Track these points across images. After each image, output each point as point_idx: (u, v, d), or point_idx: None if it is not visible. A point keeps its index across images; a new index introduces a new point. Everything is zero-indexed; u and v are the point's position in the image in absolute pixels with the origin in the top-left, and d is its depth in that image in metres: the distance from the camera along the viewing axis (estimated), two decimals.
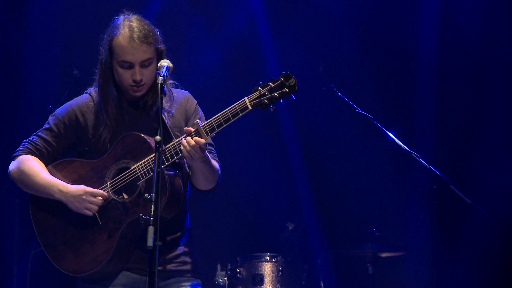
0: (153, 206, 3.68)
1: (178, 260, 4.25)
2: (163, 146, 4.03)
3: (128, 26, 4.12)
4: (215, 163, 4.21)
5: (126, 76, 4.13)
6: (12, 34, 7.60)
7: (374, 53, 8.00)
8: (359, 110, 6.83)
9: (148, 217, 3.65)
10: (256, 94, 3.95)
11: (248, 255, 7.05)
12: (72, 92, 6.69)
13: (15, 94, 7.60)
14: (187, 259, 4.28)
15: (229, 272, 7.00)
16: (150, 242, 3.59)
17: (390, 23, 7.95)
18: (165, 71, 3.99)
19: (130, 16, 4.18)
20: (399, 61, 7.93)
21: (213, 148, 4.30)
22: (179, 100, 4.31)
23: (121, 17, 4.18)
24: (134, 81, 4.11)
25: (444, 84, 7.74)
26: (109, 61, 4.16)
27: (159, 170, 3.85)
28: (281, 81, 3.95)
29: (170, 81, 4.28)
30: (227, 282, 6.97)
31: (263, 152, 7.92)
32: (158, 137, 3.76)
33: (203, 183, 4.22)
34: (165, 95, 4.05)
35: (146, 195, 3.77)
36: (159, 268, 4.10)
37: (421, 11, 7.85)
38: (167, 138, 4.11)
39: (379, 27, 7.99)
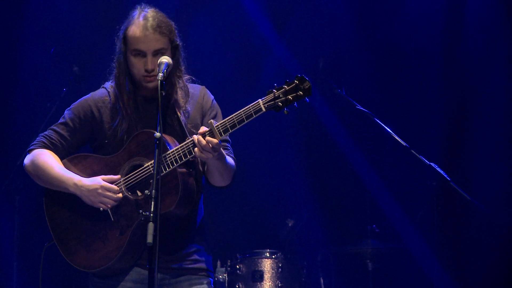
0: (153, 202, 3.68)
1: (190, 258, 4.25)
2: (177, 143, 4.08)
3: (143, 16, 4.13)
4: (230, 159, 4.21)
5: (139, 66, 4.10)
6: (11, 32, 7.66)
7: (374, 49, 8.00)
8: (358, 107, 6.84)
9: (148, 213, 3.67)
10: (271, 96, 3.92)
11: (248, 251, 7.07)
12: (72, 89, 6.92)
13: (15, 91, 7.63)
14: (200, 257, 4.28)
15: (229, 269, 6.99)
16: (150, 239, 3.61)
17: (388, 17, 7.94)
18: (165, 68, 3.99)
19: (146, 8, 4.18)
20: (399, 58, 7.92)
21: (229, 145, 4.30)
22: (195, 96, 4.30)
23: (138, 9, 4.19)
24: (146, 70, 4.09)
25: (445, 81, 7.73)
26: (123, 51, 4.15)
27: (173, 166, 3.97)
28: (296, 84, 3.93)
29: (187, 77, 4.28)
30: (227, 278, 6.95)
31: (262, 150, 7.97)
32: (158, 134, 3.78)
33: (218, 180, 4.20)
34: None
35: (146, 191, 3.80)
36: (172, 265, 4.18)
37: (422, 5, 7.84)
38: (181, 136, 4.15)
39: (378, 22, 8.00)
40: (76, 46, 7.64)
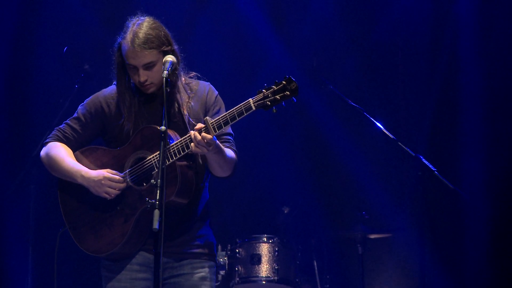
0: (158, 191, 3.75)
1: (193, 244, 4.28)
2: (179, 137, 4.11)
3: (133, 32, 4.15)
4: (230, 152, 4.24)
5: (134, 77, 4.19)
6: (28, 33, 7.62)
7: (364, 48, 7.99)
8: (350, 102, 6.87)
9: (154, 201, 3.73)
10: (260, 96, 3.97)
11: (247, 236, 7.08)
12: (83, 86, 6.91)
13: (31, 88, 7.62)
14: (202, 243, 4.31)
15: (229, 252, 7.05)
16: (155, 225, 3.67)
17: (377, 18, 7.93)
18: (169, 66, 4.03)
19: (141, 19, 4.21)
20: (388, 56, 7.94)
21: (231, 138, 4.33)
22: (200, 92, 4.35)
23: (133, 21, 4.22)
24: (139, 82, 4.17)
25: (431, 78, 7.71)
26: (121, 60, 4.22)
27: (172, 160, 4.02)
28: (284, 84, 3.97)
29: (192, 73, 4.36)
30: (227, 261, 7.02)
31: (260, 144, 7.94)
32: (163, 127, 3.82)
33: (218, 171, 4.24)
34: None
35: (152, 180, 3.85)
36: (175, 249, 4.22)
37: (409, 4, 7.83)
38: (184, 130, 4.19)
39: (368, 22, 7.99)
40: (87, 45, 7.58)
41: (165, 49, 4.16)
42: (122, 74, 4.25)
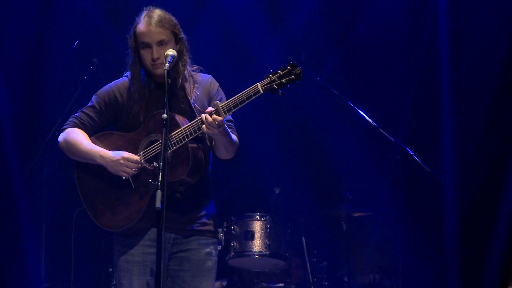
0: (160, 173, 3.81)
1: (200, 221, 4.32)
2: (187, 122, 4.16)
3: (147, 15, 4.25)
4: (234, 136, 4.27)
5: (146, 56, 4.22)
6: (42, 30, 7.69)
7: (348, 43, 8.06)
8: (336, 92, 7.04)
9: (156, 182, 3.82)
10: (267, 80, 4.03)
11: (241, 215, 7.17)
12: (91, 77, 7.02)
13: (45, 79, 7.68)
14: (208, 221, 4.35)
15: (225, 229, 7.11)
16: (158, 204, 3.75)
17: (360, 14, 7.99)
18: (171, 59, 4.11)
19: (152, 8, 4.31)
20: (370, 50, 7.99)
21: (232, 124, 4.36)
22: (203, 83, 4.39)
23: (146, 9, 4.31)
24: (152, 59, 4.19)
25: (409, 70, 7.75)
26: (134, 45, 4.27)
27: (183, 142, 4.08)
28: (289, 69, 4.03)
29: (195, 67, 4.41)
30: (223, 237, 7.07)
31: (254, 130, 7.92)
32: (165, 115, 3.90)
33: (224, 153, 4.28)
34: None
35: (155, 163, 4.03)
36: (183, 226, 4.26)
37: (389, 3, 7.83)
38: (191, 116, 4.24)
39: (352, 18, 8.04)
40: (95, 40, 7.69)
41: (177, 31, 4.27)
42: (136, 59, 4.29)
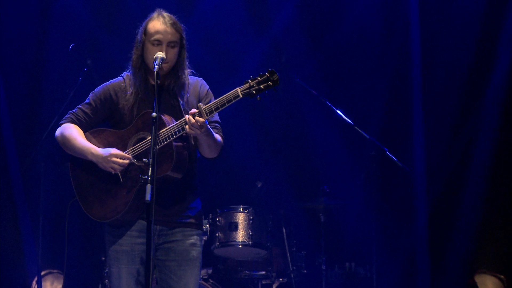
0: (150, 168, 3.92)
1: (184, 214, 4.37)
2: (174, 121, 4.22)
3: (161, 15, 4.33)
4: (218, 136, 4.33)
5: (154, 52, 4.26)
6: (39, 33, 7.73)
7: (326, 46, 8.09)
8: (314, 93, 7.20)
9: (146, 177, 3.91)
10: (247, 85, 4.11)
11: (226, 207, 7.18)
12: (86, 78, 7.04)
13: (42, 80, 7.71)
14: (192, 214, 4.40)
15: (210, 221, 7.12)
16: (147, 197, 3.84)
17: (335, 20, 8.02)
18: (160, 61, 4.17)
19: (161, 11, 4.38)
20: (346, 52, 8.03)
21: (219, 125, 4.42)
22: (193, 86, 4.45)
23: (156, 12, 4.37)
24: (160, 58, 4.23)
25: (383, 71, 7.83)
26: (142, 40, 4.31)
27: (168, 141, 4.15)
28: (267, 76, 4.11)
29: (187, 71, 4.45)
30: (209, 228, 7.09)
31: (237, 127, 7.93)
32: (154, 114, 4.01)
33: (207, 152, 4.34)
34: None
35: (145, 159, 4.03)
36: (169, 219, 4.33)
37: (363, 7, 7.88)
38: (180, 116, 4.26)
39: (328, 23, 8.06)
40: (89, 43, 7.73)
41: (184, 37, 4.35)
42: (140, 54, 4.34)
